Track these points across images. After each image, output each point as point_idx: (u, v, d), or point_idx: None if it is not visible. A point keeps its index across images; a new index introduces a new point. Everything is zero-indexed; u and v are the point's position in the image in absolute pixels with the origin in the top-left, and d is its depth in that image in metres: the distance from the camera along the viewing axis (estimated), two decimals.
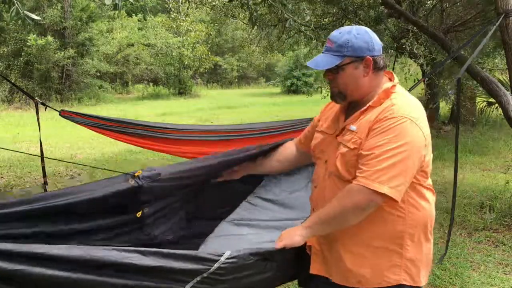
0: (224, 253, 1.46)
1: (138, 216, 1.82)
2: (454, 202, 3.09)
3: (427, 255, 1.66)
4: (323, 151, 1.73)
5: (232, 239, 2.28)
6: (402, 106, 1.54)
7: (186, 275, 1.41)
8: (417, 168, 1.53)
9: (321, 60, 1.62)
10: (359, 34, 1.58)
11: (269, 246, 1.65)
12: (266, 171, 2.15)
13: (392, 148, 1.47)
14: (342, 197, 1.53)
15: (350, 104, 1.69)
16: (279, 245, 1.62)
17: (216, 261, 1.44)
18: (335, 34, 1.62)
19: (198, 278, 1.42)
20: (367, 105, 1.60)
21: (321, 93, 9.50)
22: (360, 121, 1.59)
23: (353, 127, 1.60)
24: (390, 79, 1.67)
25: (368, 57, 1.58)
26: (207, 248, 2.21)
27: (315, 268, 1.73)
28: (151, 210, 1.88)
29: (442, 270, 3.47)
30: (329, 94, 1.71)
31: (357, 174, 1.51)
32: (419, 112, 1.56)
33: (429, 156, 1.60)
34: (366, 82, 1.61)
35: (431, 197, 1.65)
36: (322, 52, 1.65)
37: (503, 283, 3.28)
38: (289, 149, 2.06)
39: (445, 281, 3.30)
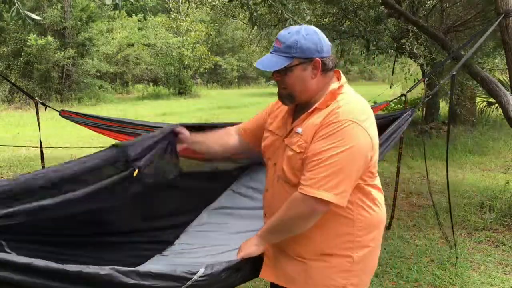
0: (198, 272, 1.52)
1: (135, 175, 1.80)
2: (450, 201, 3.09)
3: (374, 259, 1.67)
4: (273, 153, 1.71)
5: (213, 229, 2.32)
6: (347, 109, 1.51)
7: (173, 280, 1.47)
8: (363, 170, 1.53)
9: (269, 61, 1.58)
10: (308, 35, 1.55)
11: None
12: (205, 151, 2.06)
13: (337, 153, 1.45)
14: (288, 207, 1.53)
15: (298, 106, 1.67)
16: (238, 256, 1.66)
17: (189, 279, 1.50)
18: (283, 34, 1.58)
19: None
20: (313, 107, 1.58)
21: None
22: (306, 124, 1.57)
23: (299, 130, 1.58)
24: (338, 78, 1.65)
25: (316, 58, 1.55)
26: (186, 239, 2.27)
27: (266, 272, 1.73)
28: (144, 163, 1.85)
29: (442, 270, 3.47)
30: (277, 95, 1.67)
31: (301, 181, 1.49)
32: (365, 114, 1.54)
33: (376, 156, 1.59)
34: (314, 84, 1.58)
35: (378, 196, 1.66)
36: (270, 52, 1.61)
37: (503, 283, 3.28)
38: (231, 136, 1.99)
39: (445, 281, 3.30)
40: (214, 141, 2.00)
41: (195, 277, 1.50)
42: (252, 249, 1.65)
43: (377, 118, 3.07)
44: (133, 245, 2.13)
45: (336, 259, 1.58)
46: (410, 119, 2.87)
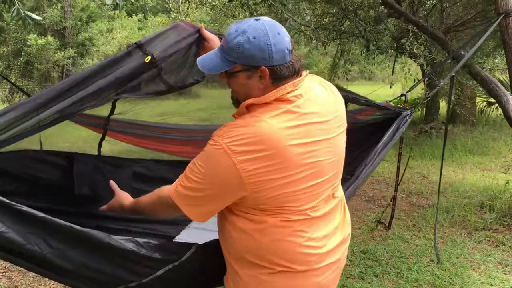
0: (192, 245, 1.56)
1: (147, 61, 1.61)
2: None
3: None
4: None
5: (213, 227, 2.32)
6: (233, 131, 1.28)
7: (158, 263, 1.51)
8: (228, 200, 1.35)
9: (210, 62, 1.38)
10: (255, 38, 1.28)
11: None
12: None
13: (195, 171, 1.34)
14: (156, 195, 1.52)
15: None
16: (103, 208, 1.73)
17: (185, 253, 1.53)
18: (231, 30, 1.33)
19: (170, 266, 1.52)
20: (233, 114, 1.42)
21: None
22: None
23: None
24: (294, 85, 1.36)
25: (263, 67, 1.30)
26: (186, 237, 2.32)
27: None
28: (161, 54, 1.65)
29: (442, 270, 3.47)
30: None
31: (176, 181, 1.43)
32: (251, 145, 1.25)
33: (263, 194, 1.30)
34: (261, 94, 1.33)
35: (280, 230, 1.35)
36: (217, 48, 1.40)
37: (503, 283, 3.28)
38: None
39: (445, 281, 3.31)
40: None
41: (190, 251, 1.54)
42: (114, 207, 1.70)
43: (375, 116, 3.08)
44: (132, 235, 2.18)
45: (232, 271, 1.50)
46: (409, 119, 2.88)
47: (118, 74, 1.56)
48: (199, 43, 1.76)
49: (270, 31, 1.30)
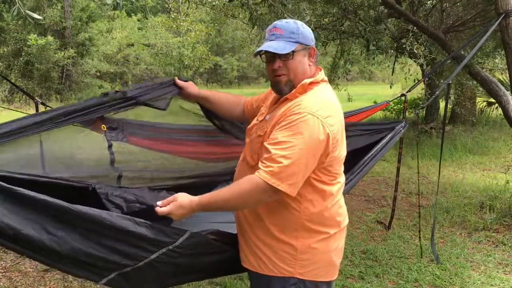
0: (185, 232, 1.58)
1: (117, 90, 1.98)
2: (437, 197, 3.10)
3: (327, 253, 1.64)
4: (248, 136, 1.75)
5: (206, 220, 2.34)
6: (310, 103, 1.53)
7: (154, 245, 1.52)
8: (316, 163, 1.53)
9: (278, 45, 1.58)
10: (303, 25, 1.62)
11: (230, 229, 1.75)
12: (211, 109, 2.15)
13: (291, 146, 1.47)
14: (243, 185, 1.51)
15: None
16: (162, 210, 1.55)
17: (180, 236, 1.56)
18: (281, 22, 1.62)
19: (164, 250, 1.54)
20: (284, 96, 1.62)
21: None
22: (274, 112, 1.62)
23: (267, 117, 1.65)
24: (313, 76, 1.66)
25: (313, 47, 1.63)
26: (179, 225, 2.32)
27: (241, 258, 1.76)
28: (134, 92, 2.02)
29: (442, 270, 3.47)
30: (272, 85, 1.67)
31: (260, 165, 1.50)
32: (328, 111, 1.55)
33: (338, 154, 1.59)
34: (309, 72, 1.64)
35: (334, 195, 1.64)
36: (270, 40, 1.61)
37: (503, 283, 3.28)
38: (239, 106, 2.04)
39: (445, 281, 3.31)
40: (222, 105, 2.07)
41: (185, 236, 1.56)
42: (181, 211, 1.55)
43: (370, 129, 3.11)
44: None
45: (281, 245, 1.59)
46: (403, 131, 2.96)
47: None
48: (174, 89, 2.10)
49: (300, 23, 1.64)
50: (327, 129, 1.50)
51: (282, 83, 1.63)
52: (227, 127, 2.37)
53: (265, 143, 1.53)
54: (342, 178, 1.69)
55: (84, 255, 1.46)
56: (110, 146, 2.28)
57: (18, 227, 1.35)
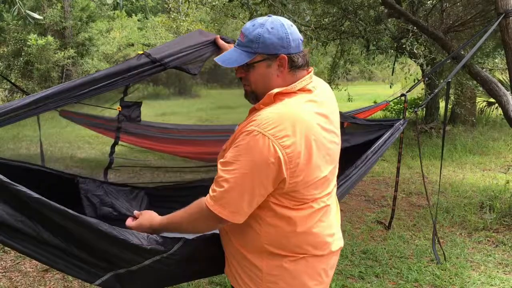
0: (180, 239, 1.56)
1: (141, 53, 1.79)
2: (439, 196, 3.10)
3: (298, 275, 1.47)
4: None
5: None
6: (266, 120, 1.33)
7: (147, 253, 1.51)
8: (268, 189, 1.36)
9: (230, 57, 1.46)
10: (273, 29, 1.40)
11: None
12: None
13: (234, 169, 1.33)
14: (191, 209, 1.45)
15: None
16: (130, 224, 1.55)
17: (173, 246, 1.54)
18: (248, 26, 1.44)
19: (158, 257, 1.52)
20: (253, 105, 1.48)
21: None
22: (243, 121, 1.47)
23: (236, 126, 1.49)
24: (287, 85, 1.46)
25: (282, 55, 1.41)
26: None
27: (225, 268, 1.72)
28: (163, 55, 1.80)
29: (442, 270, 3.47)
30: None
31: (209, 189, 1.40)
32: (288, 130, 1.32)
33: (305, 179, 1.38)
34: (279, 82, 1.43)
35: (305, 221, 1.43)
36: (234, 46, 1.49)
37: (503, 283, 3.28)
38: None
39: (445, 281, 3.31)
40: None
41: (178, 244, 1.55)
42: (141, 229, 1.54)
43: (370, 126, 3.13)
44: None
45: (248, 264, 1.50)
46: (402, 128, 2.97)
47: (119, 67, 1.73)
48: (214, 50, 1.90)
49: (285, 23, 1.43)
50: (280, 151, 1.30)
51: (247, 93, 1.53)
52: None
53: (220, 162, 1.39)
54: (319, 202, 1.45)
55: (77, 257, 1.47)
56: (119, 129, 2.27)
57: (14, 225, 1.37)
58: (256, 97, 1.48)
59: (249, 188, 1.34)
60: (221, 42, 1.91)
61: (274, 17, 1.45)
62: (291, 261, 1.45)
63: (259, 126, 1.32)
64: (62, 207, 1.39)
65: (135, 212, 1.62)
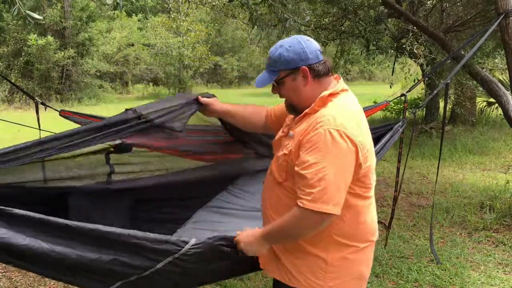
0: (191, 240, 1.57)
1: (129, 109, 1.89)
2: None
3: (357, 265, 1.64)
4: (276, 149, 1.74)
5: (208, 226, 2.40)
6: (332, 118, 1.50)
7: (158, 254, 1.52)
8: (352, 176, 1.52)
9: (262, 78, 1.67)
10: (291, 46, 1.60)
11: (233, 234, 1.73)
12: (233, 123, 2.14)
13: (324, 167, 1.45)
14: (290, 219, 1.52)
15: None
16: (239, 246, 1.64)
17: (186, 243, 1.56)
18: (272, 49, 1.66)
19: (170, 259, 1.53)
20: (304, 112, 1.62)
21: None
22: (297, 128, 1.61)
23: (291, 133, 1.64)
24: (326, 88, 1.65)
25: (303, 67, 1.59)
26: (182, 232, 2.36)
27: (268, 266, 1.74)
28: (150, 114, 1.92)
29: (442, 270, 3.47)
30: None
31: (300, 195, 1.49)
32: (352, 123, 1.53)
33: (370, 164, 1.58)
34: (309, 91, 1.62)
35: (366, 210, 1.63)
36: (265, 70, 1.69)
37: (503, 283, 3.28)
38: (260, 116, 2.04)
39: (445, 281, 3.31)
40: (245, 118, 2.06)
41: (189, 244, 1.55)
42: (254, 248, 1.63)
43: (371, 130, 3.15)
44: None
45: (311, 258, 1.60)
46: (401, 129, 2.98)
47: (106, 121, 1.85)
48: (197, 108, 2.06)
49: (301, 39, 1.62)
50: (355, 140, 1.49)
51: (287, 107, 1.71)
52: (247, 139, 2.36)
53: (296, 168, 1.51)
54: (373, 191, 1.66)
55: (89, 267, 1.46)
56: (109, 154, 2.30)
57: (20, 244, 1.38)
58: (294, 108, 1.67)
59: (342, 178, 1.48)
60: (203, 99, 2.06)
61: (293, 36, 1.65)
62: (354, 251, 1.61)
63: (329, 124, 1.48)
64: (64, 221, 1.41)
65: (237, 232, 1.68)
